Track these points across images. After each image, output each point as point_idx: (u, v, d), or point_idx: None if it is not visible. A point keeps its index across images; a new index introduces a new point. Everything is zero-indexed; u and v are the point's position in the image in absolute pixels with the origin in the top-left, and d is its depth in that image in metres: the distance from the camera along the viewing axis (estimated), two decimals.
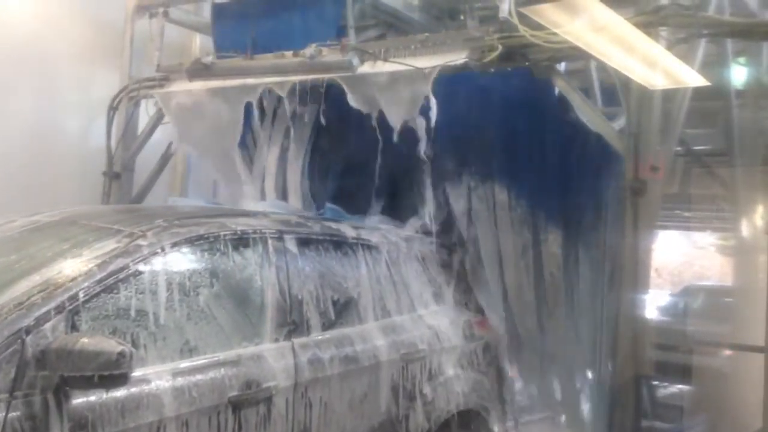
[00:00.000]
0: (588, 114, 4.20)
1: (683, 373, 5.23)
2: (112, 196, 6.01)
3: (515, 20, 3.93)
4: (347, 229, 3.99)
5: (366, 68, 4.64)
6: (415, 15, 5.50)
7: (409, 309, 4.13)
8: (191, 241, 3.17)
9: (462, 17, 5.60)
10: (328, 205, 4.78)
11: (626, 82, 3.98)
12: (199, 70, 5.25)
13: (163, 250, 3.03)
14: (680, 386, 5.31)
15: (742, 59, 5.21)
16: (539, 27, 3.79)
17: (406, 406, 3.81)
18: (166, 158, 6.18)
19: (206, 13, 6.62)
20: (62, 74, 6.12)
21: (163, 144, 6.17)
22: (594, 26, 3.55)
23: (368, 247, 4.04)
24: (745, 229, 5.44)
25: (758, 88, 5.38)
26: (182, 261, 3.13)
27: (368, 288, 3.89)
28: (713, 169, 6.13)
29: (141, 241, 3.00)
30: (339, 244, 3.86)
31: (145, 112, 6.04)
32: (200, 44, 6.82)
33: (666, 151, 4.22)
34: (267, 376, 3.10)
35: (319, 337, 3.46)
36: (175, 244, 3.10)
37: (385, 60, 4.57)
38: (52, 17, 6.00)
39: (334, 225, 3.98)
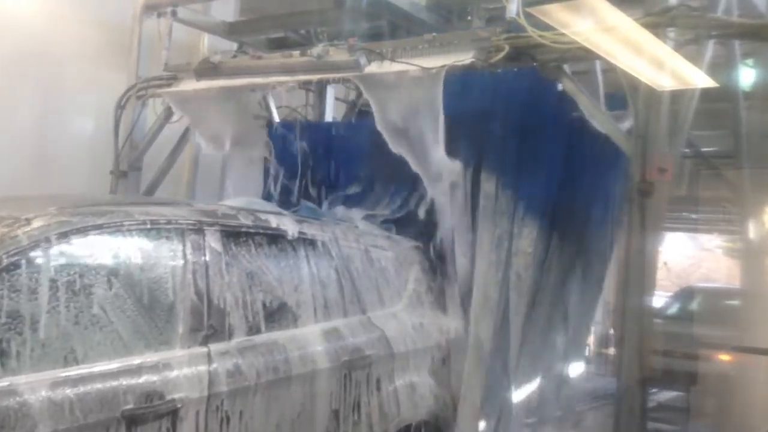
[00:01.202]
0: (595, 115, 4.19)
1: (679, 378, 5.20)
2: (119, 194, 6.03)
3: (523, 20, 3.93)
4: (288, 224, 3.63)
5: (373, 68, 4.64)
6: (423, 15, 5.50)
7: (358, 311, 3.80)
8: (84, 232, 2.73)
9: (469, 17, 5.60)
10: (304, 202, 4.78)
11: (634, 83, 3.97)
12: (207, 70, 5.26)
13: (48, 241, 2.61)
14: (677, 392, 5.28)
15: (750, 61, 5.19)
16: (547, 27, 3.79)
17: (349, 420, 3.50)
18: (173, 157, 6.21)
19: (214, 12, 6.66)
20: (70, 73, 6.15)
21: (171, 143, 6.20)
22: (602, 27, 3.54)
23: (312, 243, 3.69)
24: (752, 231, 5.41)
25: (766, 90, 5.36)
26: (72, 255, 2.70)
27: (308, 288, 3.55)
28: (721, 171, 6.11)
29: (20, 230, 2.59)
30: (275, 239, 3.48)
31: (153, 111, 6.06)
32: (208, 44, 6.84)
33: (673, 152, 4.20)
34: (172, 388, 2.74)
35: (243, 344, 3.09)
36: (63, 235, 2.66)
37: (393, 60, 4.57)
38: (60, 17, 6.02)
39: (272, 218, 3.59)
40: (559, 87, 4.40)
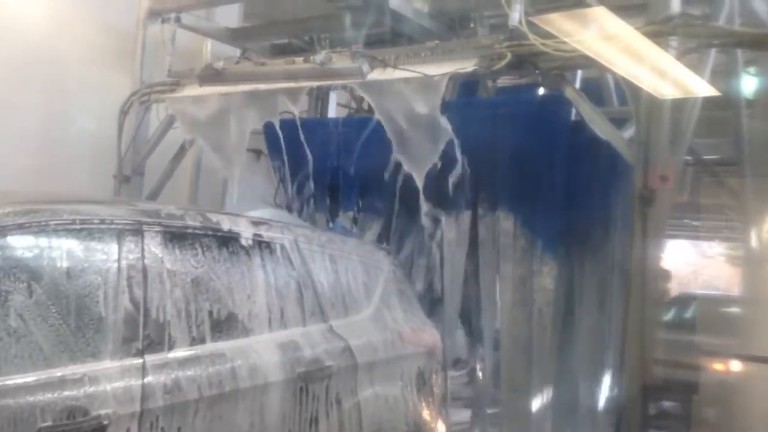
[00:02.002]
0: (597, 122, 4.20)
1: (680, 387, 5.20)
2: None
3: (525, 29, 3.95)
4: (242, 226, 3.38)
5: (376, 75, 4.66)
6: (426, 22, 5.51)
7: (319, 320, 3.54)
8: (2, 232, 2.51)
9: (472, 25, 5.61)
10: (338, 221, 4.81)
11: (636, 91, 3.98)
12: (210, 76, 5.29)
13: None
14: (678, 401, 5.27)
15: (752, 69, 5.20)
16: (549, 36, 3.80)
17: None
18: (176, 162, 6.23)
19: (218, 18, 6.68)
20: (74, 78, 6.18)
21: (174, 148, 6.21)
22: (604, 35, 3.56)
23: (270, 247, 3.44)
24: (754, 238, 5.41)
25: None
26: None
27: (262, 295, 3.30)
28: (723, 179, 6.11)
29: None
30: (226, 242, 3.24)
31: (156, 116, 6.09)
32: (211, 49, 6.87)
33: (675, 160, 4.21)
34: (99, 403, 2.51)
35: (184, 355, 2.84)
36: None
37: (395, 67, 4.59)
38: (65, 22, 6.05)
39: (224, 219, 3.33)
40: (573, 116, 4.44)
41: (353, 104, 6.92)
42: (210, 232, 3.18)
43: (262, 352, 3.14)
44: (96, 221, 2.77)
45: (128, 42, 6.23)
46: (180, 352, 2.84)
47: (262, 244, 3.41)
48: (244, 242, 3.32)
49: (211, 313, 3.03)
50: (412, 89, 4.48)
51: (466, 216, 4.92)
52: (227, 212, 3.59)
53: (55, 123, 6.08)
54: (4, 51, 5.65)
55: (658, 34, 3.74)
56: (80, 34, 6.13)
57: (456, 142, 4.54)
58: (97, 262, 2.72)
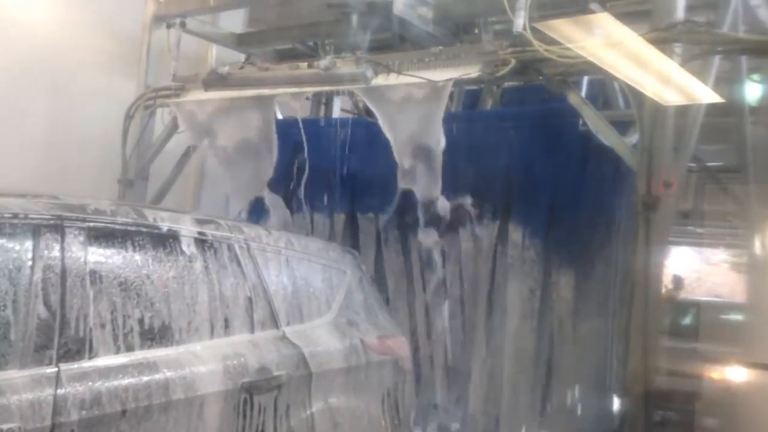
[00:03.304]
0: (601, 129, 4.21)
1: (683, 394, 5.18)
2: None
3: (529, 35, 3.95)
4: (184, 224, 3.11)
5: (380, 80, 4.67)
6: (430, 28, 5.53)
7: (270, 325, 3.30)
8: None
9: (476, 31, 5.62)
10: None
11: (639, 97, 3.98)
12: (215, 80, 5.30)
13: None
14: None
15: (756, 76, 5.20)
16: (553, 42, 3.81)
17: None
18: (180, 167, 6.24)
19: (222, 24, 6.70)
20: (80, 83, 6.21)
21: (178, 153, 6.23)
22: (608, 42, 3.56)
23: (215, 247, 3.19)
24: (757, 245, 5.40)
25: None
26: None
27: (204, 299, 3.05)
28: (726, 186, 6.10)
29: None
30: (164, 241, 2.98)
31: (161, 121, 6.11)
32: (216, 54, 6.89)
33: (679, 166, 4.21)
34: (3, 416, 2.29)
35: (107, 364, 2.59)
36: None
37: (399, 73, 4.60)
38: (71, 27, 6.08)
39: (164, 216, 3.07)
40: (581, 127, 4.46)
41: (355, 110, 6.93)
42: (144, 231, 2.91)
43: (200, 361, 2.88)
44: (7, 215, 2.52)
45: (133, 47, 6.26)
46: (102, 361, 2.58)
47: (207, 245, 3.15)
48: (185, 242, 3.05)
49: (141, 319, 2.78)
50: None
51: (469, 228, 4.93)
52: (169, 209, 3.35)
53: (61, 127, 6.10)
54: (10, 55, 5.68)
55: (662, 41, 3.74)
56: (86, 39, 6.16)
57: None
58: (6, 261, 2.46)
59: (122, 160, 6.05)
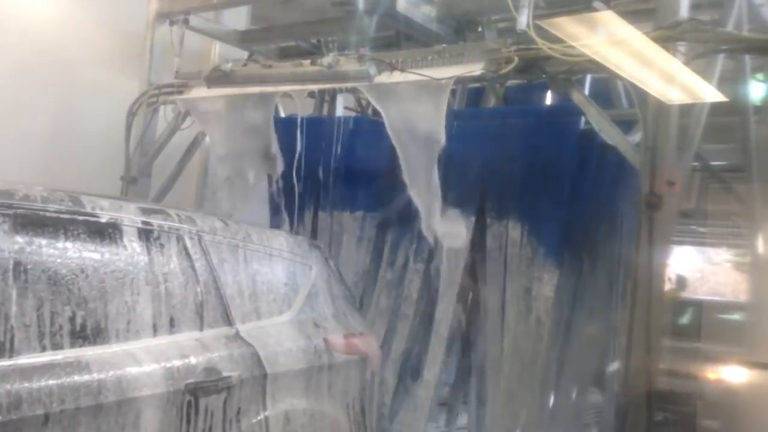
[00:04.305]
0: (605, 128, 4.20)
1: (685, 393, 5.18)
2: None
3: (533, 33, 3.94)
4: (126, 213, 2.88)
5: (383, 78, 4.66)
6: (433, 26, 5.52)
7: (222, 323, 3.10)
8: None
9: (480, 29, 5.62)
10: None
11: (643, 96, 3.98)
12: (218, 78, 5.30)
13: None
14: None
15: (760, 75, 5.18)
16: (557, 40, 3.80)
17: None
18: (183, 163, 6.25)
19: (225, 21, 6.70)
20: (83, 80, 6.21)
21: (181, 150, 6.24)
22: (611, 40, 3.55)
23: (162, 238, 2.97)
24: (761, 245, 5.39)
25: None
26: None
27: (146, 294, 2.82)
28: (730, 185, 6.09)
29: None
30: (102, 231, 2.75)
31: (164, 118, 6.11)
32: (219, 52, 6.89)
33: (683, 166, 4.20)
34: None
35: (30, 363, 2.37)
36: None
37: (403, 70, 4.60)
38: (74, 24, 6.09)
39: (103, 205, 2.82)
40: (581, 126, 4.46)
41: (358, 108, 6.93)
42: (80, 219, 2.69)
43: (138, 361, 2.67)
44: None
45: (137, 44, 6.26)
46: (24, 360, 2.36)
47: (152, 236, 2.93)
48: (127, 233, 2.83)
49: (73, 316, 2.56)
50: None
51: (471, 224, 4.92)
52: (112, 196, 3.10)
53: (64, 124, 6.11)
54: (13, 52, 5.69)
55: (666, 39, 3.73)
56: (89, 35, 6.17)
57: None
58: None
59: (125, 157, 6.05)
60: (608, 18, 3.41)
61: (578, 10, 3.68)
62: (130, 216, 2.89)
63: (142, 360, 2.69)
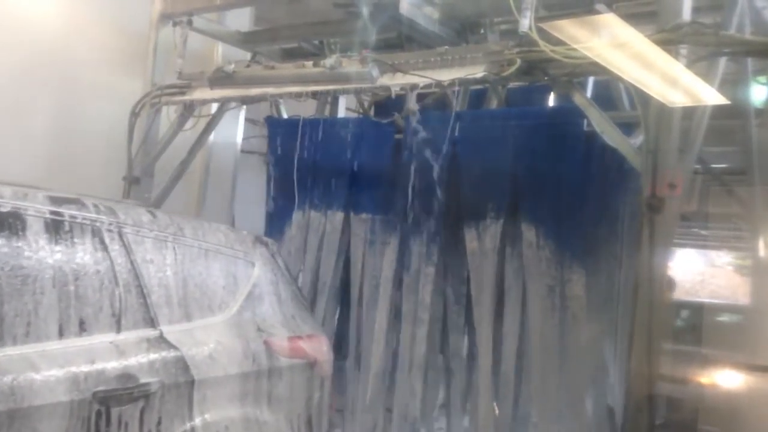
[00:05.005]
0: (606, 129, 4.20)
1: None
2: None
3: (535, 35, 3.95)
4: (32, 202, 2.62)
5: (385, 80, 4.67)
6: (436, 28, 5.53)
7: (143, 324, 2.82)
8: None
9: (482, 31, 5.63)
10: None
11: (645, 98, 3.98)
12: (221, 79, 5.31)
13: None
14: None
15: (762, 78, 5.19)
16: (559, 42, 3.81)
17: None
18: (185, 164, 6.26)
19: (229, 22, 6.72)
20: (86, 80, 6.22)
21: (183, 150, 6.25)
22: (614, 43, 3.56)
23: (74, 231, 2.72)
24: (762, 247, 5.39)
25: None
26: None
27: (51, 292, 2.55)
28: (732, 188, 6.10)
29: None
30: (2, 222, 2.52)
31: (167, 118, 6.12)
32: (222, 53, 6.90)
33: (685, 168, 4.20)
34: None
35: None
36: None
37: (405, 72, 4.61)
38: (78, 24, 6.10)
39: (5, 193, 2.59)
40: (586, 126, 4.46)
41: (360, 109, 6.94)
42: None
43: (35, 366, 2.41)
44: None
45: (140, 44, 6.27)
46: None
47: (63, 229, 2.67)
48: (31, 224, 2.58)
49: None
50: None
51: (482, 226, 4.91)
52: (18, 183, 2.78)
53: (66, 124, 6.12)
54: (16, 52, 5.70)
55: (668, 42, 3.73)
56: (92, 36, 6.18)
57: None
58: None
59: (128, 157, 6.06)
60: (610, 20, 3.41)
61: (580, 12, 3.69)
62: (36, 206, 2.62)
63: (40, 365, 2.42)
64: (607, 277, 4.86)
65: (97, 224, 2.80)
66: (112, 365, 2.63)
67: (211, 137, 6.71)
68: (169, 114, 6.08)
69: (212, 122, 6.31)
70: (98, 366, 2.59)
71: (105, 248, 2.78)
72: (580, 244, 4.61)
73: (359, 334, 5.44)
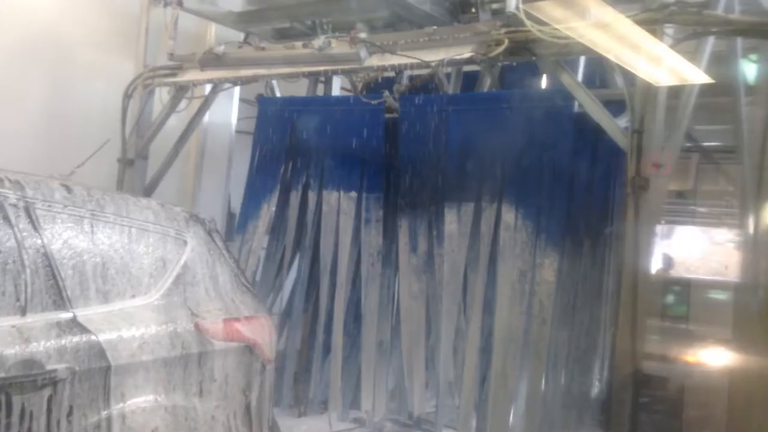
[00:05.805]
0: (593, 110, 4.21)
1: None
2: (126, 182, 6.12)
3: (522, 15, 3.94)
4: None
5: (374, 61, 4.68)
6: (427, 8, 5.51)
7: (54, 306, 2.63)
8: None
9: (473, 10, 5.60)
10: None
11: (630, 78, 3.98)
12: (211, 60, 5.33)
13: None
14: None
15: (753, 56, 5.16)
16: (546, 22, 3.81)
17: None
18: (180, 146, 6.28)
19: (221, 2, 6.69)
20: (78, 61, 6.24)
21: (177, 132, 6.27)
22: (597, 23, 3.56)
23: None
24: (752, 225, 5.39)
25: None
26: None
27: None
28: (724, 166, 6.10)
29: None
30: None
31: (159, 100, 6.13)
32: (215, 33, 6.89)
33: (673, 146, 4.21)
34: None
35: None
36: None
37: (393, 53, 4.61)
38: (69, 5, 6.10)
39: None
40: (575, 109, 4.46)
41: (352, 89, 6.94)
42: None
43: None
44: None
45: (132, 25, 6.28)
46: None
47: None
48: None
49: None
50: None
51: (469, 209, 4.95)
52: None
53: (59, 106, 6.14)
54: (8, 34, 5.71)
55: (653, 22, 3.74)
56: (84, 17, 6.18)
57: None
58: None
59: (122, 139, 6.08)
60: (591, 1, 3.41)
61: None
62: None
63: None
64: (599, 259, 4.89)
65: (2, 201, 2.60)
66: (13, 351, 2.45)
67: (206, 118, 6.72)
68: (161, 95, 6.09)
69: (206, 103, 6.32)
70: None
71: (9, 223, 2.59)
72: (558, 227, 4.64)
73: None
